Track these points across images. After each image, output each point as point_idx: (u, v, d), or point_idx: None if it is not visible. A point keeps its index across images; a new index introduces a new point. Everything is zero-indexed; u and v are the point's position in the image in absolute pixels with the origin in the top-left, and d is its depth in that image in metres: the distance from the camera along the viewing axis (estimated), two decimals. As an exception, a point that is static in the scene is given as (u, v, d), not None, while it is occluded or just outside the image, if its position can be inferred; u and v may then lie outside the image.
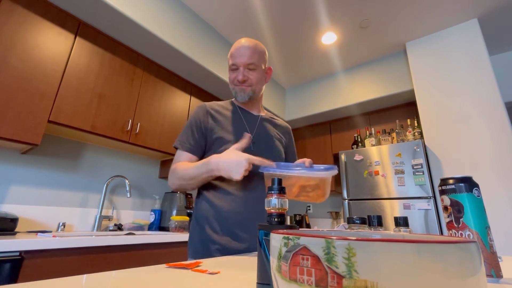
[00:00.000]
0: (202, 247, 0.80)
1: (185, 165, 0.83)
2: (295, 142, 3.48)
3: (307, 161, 0.75)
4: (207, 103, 0.95)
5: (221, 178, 0.84)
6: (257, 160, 0.71)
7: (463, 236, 0.45)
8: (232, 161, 0.72)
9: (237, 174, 0.70)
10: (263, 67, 0.94)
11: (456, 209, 0.47)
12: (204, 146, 0.90)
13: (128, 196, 1.89)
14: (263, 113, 1.02)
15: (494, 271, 0.42)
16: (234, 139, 0.87)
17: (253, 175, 0.85)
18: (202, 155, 0.89)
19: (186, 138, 0.89)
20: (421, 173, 2.10)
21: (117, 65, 1.87)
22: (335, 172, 0.68)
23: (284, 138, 1.03)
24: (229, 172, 0.72)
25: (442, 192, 0.49)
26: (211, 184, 0.86)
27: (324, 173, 0.68)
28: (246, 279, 0.40)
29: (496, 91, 2.01)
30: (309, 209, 3.44)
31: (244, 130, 0.91)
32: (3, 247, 1.00)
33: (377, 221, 0.65)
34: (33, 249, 1.06)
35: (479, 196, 0.46)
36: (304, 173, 0.69)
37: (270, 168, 0.71)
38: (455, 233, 0.46)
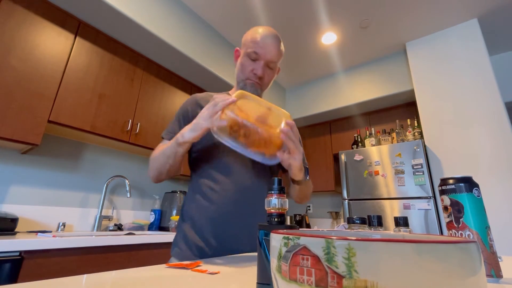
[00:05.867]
0: (185, 248, 0.75)
1: (159, 148, 0.79)
2: (295, 142, 3.48)
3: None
4: (198, 94, 0.88)
5: (212, 177, 0.79)
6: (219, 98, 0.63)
7: (463, 236, 0.45)
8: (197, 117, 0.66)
9: (203, 123, 0.63)
10: (278, 67, 0.88)
11: (456, 209, 0.47)
12: None
13: (128, 196, 1.89)
14: None
15: (494, 271, 0.42)
16: None
17: (249, 174, 0.81)
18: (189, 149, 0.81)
19: (173, 129, 0.82)
20: (421, 173, 2.10)
21: (117, 65, 1.87)
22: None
23: None
24: (193, 126, 0.66)
25: (442, 192, 0.49)
26: (203, 183, 0.80)
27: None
28: (246, 279, 0.40)
29: (496, 91, 2.01)
30: (309, 209, 3.44)
31: None
32: (3, 247, 1.00)
33: (377, 221, 0.65)
34: (33, 249, 1.06)
35: (479, 196, 0.46)
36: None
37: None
38: (455, 233, 0.46)
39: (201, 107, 0.81)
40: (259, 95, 0.85)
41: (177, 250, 0.77)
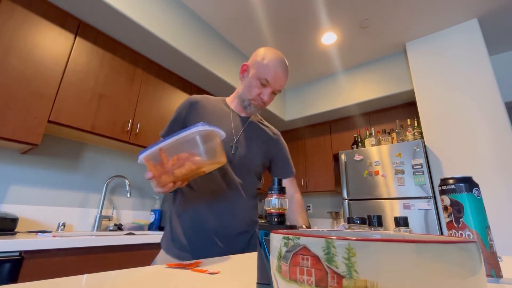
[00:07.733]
0: (173, 247, 0.79)
1: None
2: (295, 142, 3.48)
3: None
4: (197, 96, 0.91)
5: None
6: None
7: (463, 236, 0.45)
8: None
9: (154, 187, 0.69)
10: None
11: (456, 209, 0.47)
12: None
13: (128, 196, 1.89)
14: (252, 117, 0.98)
15: (494, 271, 0.42)
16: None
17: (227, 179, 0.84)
18: None
19: (165, 132, 0.87)
20: (421, 173, 2.10)
21: (117, 65, 1.87)
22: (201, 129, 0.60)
23: (269, 144, 0.97)
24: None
25: (442, 192, 0.49)
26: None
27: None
28: (246, 279, 0.40)
29: (496, 91, 2.01)
30: (309, 209, 3.44)
31: (229, 131, 0.87)
32: (3, 247, 1.00)
33: (377, 221, 0.65)
34: (33, 249, 1.06)
35: (479, 196, 0.46)
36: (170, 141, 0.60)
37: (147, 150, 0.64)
38: (455, 233, 0.46)
39: (197, 109, 0.86)
40: (258, 113, 0.96)
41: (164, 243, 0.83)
